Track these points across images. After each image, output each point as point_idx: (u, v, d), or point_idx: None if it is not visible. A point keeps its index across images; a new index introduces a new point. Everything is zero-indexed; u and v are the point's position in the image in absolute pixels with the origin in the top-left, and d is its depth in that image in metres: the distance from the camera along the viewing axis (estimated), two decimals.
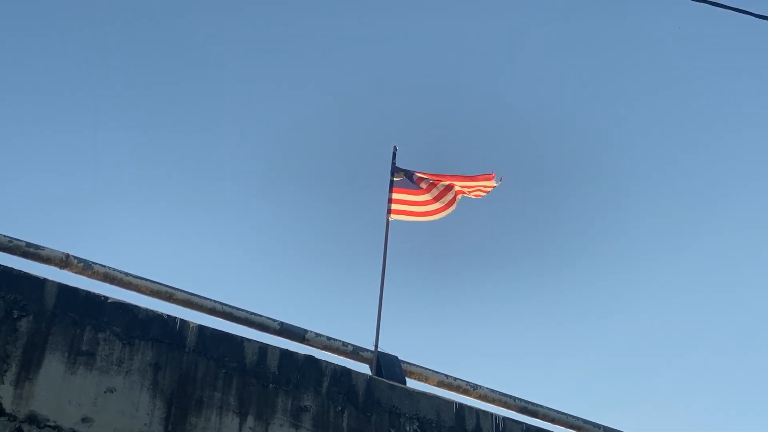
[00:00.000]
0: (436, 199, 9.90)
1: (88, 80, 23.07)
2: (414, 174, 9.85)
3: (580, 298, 25.43)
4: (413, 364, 8.37)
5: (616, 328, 25.20)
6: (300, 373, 7.09)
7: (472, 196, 10.10)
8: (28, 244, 7.37)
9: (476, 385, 8.54)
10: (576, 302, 25.46)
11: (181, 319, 6.87)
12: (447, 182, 9.90)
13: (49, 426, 5.99)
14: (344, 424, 7.06)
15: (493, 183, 10.01)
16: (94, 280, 7.58)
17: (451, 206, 9.96)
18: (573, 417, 8.90)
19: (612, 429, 9.01)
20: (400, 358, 8.29)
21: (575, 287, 25.15)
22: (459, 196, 10.03)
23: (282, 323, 8.05)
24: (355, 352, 8.20)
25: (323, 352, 8.03)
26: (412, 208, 9.75)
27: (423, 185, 9.82)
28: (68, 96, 23.00)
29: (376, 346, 8.28)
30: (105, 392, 6.28)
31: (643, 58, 25.75)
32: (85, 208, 22.43)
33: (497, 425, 7.75)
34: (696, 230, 25.38)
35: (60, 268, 7.49)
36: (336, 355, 8.09)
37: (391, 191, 9.65)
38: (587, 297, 25.44)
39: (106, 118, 22.80)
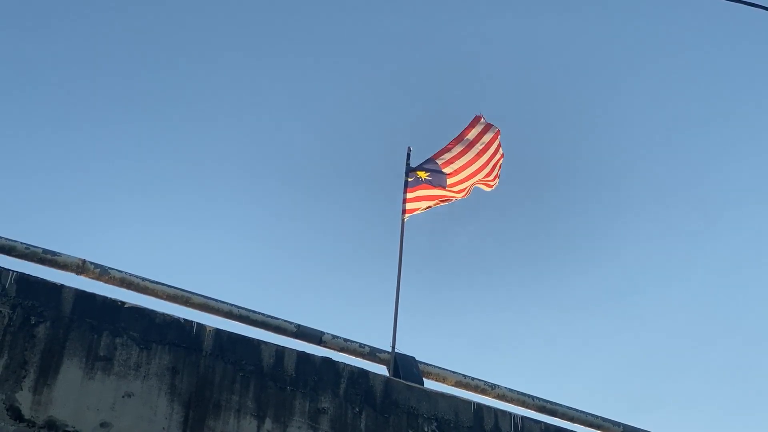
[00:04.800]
0: (452, 185, 9.90)
1: (96, 77, 23.14)
2: (432, 162, 9.84)
3: (599, 298, 25.33)
4: (431, 365, 8.35)
5: (636, 328, 25.08)
6: (317, 375, 7.09)
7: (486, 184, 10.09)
8: (45, 251, 7.40)
9: (494, 384, 8.52)
10: (595, 301, 25.35)
11: (198, 323, 6.87)
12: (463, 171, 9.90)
13: (68, 431, 6.01)
14: (362, 425, 7.06)
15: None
16: (110, 286, 7.60)
17: (464, 191, 9.96)
18: (592, 416, 8.86)
19: (633, 427, 8.97)
20: (417, 358, 8.27)
21: (595, 287, 25.06)
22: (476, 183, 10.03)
23: (299, 326, 8.05)
24: (372, 354, 8.19)
25: (340, 354, 8.02)
26: (426, 198, 9.75)
27: (438, 180, 9.81)
28: (69, 93, 23.06)
29: (393, 347, 8.27)
30: (123, 397, 6.29)
31: (651, 55, 25.63)
32: (95, 209, 22.51)
33: (516, 425, 7.73)
34: (718, 228, 25.23)
35: (77, 274, 7.51)
36: (353, 357, 8.08)
37: (405, 192, 9.66)
38: (606, 296, 25.34)
39: (115, 116, 22.86)
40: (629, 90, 25.55)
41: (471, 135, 10.09)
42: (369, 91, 25.24)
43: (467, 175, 9.94)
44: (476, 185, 10.15)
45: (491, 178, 10.13)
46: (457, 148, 10.00)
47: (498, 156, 10.14)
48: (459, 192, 9.92)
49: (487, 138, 10.09)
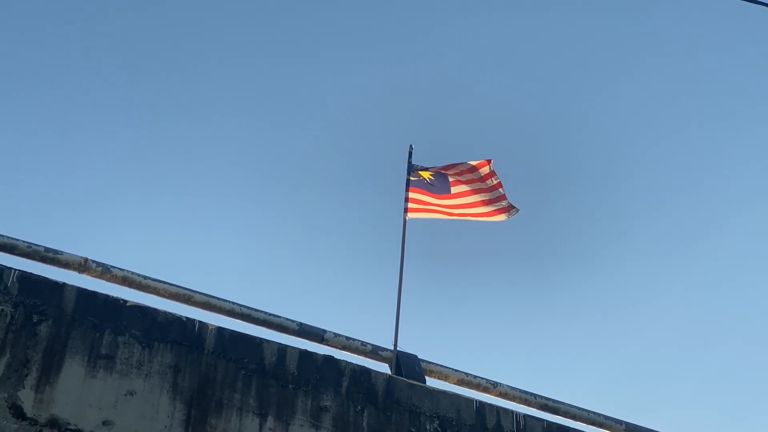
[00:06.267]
0: (455, 197, 9.86)
1: (97, 78, 23.16)
2: (433, 170, 9.82)
3: (601, 298, 25.33)
4: (432, 363, 8.34)
5: (638, 329, 25.07)
6: (319, 373, 7.09)
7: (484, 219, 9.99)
8: (47, 249, 7.40)
9: (496, 382, 8.51)
10: (597, 301, 25.36)
11: (200, 322, 6.88)
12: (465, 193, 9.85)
13: (70, 430, 6.01)
14: (364, 423, 7.06)
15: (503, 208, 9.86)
16: (112, 284, 7.61)
17: (469, 214, 9.90)
18: (594, 413, 8.85)
19: (634, 425, 8.96)
20: (419, 356, 8.27)
21: (597, 284, 25.05)
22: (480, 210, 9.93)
23: (301, 324, 8.05)
24: (374, 352, 8.19)
25: (342, 352, 8.02)
26: (429, 206, 9.74)
27: (440, 187, 9.78)
28: (71, 93, 23.09)
29: (395, 345, 8.27)
30: (125, 395, 6.30)
31: (657, 56, 25.63)
32: (97, 208, 22.53)
33: (518, 422, 7.73)
34: (718, 230, 25.21)
35: (79, 272, 7.52)
36: (355, 355, 8.08)
37: (407, 190, 9.65)
38: (609, 297, 25.33)
39: (117, 117, 22.90)
40: (628, 92, 25.53)
41: (481, 171, 9.97)
42: (371, 89, 25.25)
43: (467, 203, 9.87)
44: (476, 217, 9.99)
45: (490, 210, 9.93)
46: (463, 170, 9.92)
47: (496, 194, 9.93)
48: (457, 212, 9.84)
49: (488, 178, 9.97)
